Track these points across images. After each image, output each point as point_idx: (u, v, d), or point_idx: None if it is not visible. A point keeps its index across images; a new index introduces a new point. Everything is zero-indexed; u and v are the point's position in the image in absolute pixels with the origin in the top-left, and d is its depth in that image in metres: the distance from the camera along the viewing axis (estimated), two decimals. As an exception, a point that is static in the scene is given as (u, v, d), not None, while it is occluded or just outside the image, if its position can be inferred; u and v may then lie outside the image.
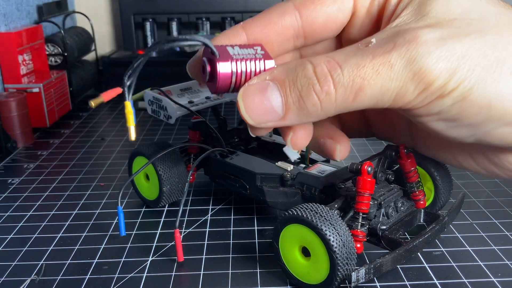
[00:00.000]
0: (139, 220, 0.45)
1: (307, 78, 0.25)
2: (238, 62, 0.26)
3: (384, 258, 0.32)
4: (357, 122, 0.37)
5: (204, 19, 1.01)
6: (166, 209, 0.47)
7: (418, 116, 0.26)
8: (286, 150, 0.44)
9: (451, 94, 0.24)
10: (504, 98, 0.25)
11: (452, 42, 0.24)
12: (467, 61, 0.24)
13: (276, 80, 0.26)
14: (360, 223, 0.35)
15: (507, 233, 0.41)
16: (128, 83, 0.25)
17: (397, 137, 0.37)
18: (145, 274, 0.37)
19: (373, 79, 0.24)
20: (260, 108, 0.26)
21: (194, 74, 0.30)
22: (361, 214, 0.35)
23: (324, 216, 0.32)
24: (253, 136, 0.29)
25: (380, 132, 0.37)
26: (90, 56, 0.98)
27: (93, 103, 0.26)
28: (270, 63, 0.27)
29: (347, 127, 0.36)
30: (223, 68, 0.25)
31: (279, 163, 0.43)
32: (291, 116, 0.26)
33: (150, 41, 1.03)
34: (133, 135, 0.26)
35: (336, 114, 0.26)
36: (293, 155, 0.44)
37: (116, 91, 0.26)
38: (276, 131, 0.52)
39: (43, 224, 0.45)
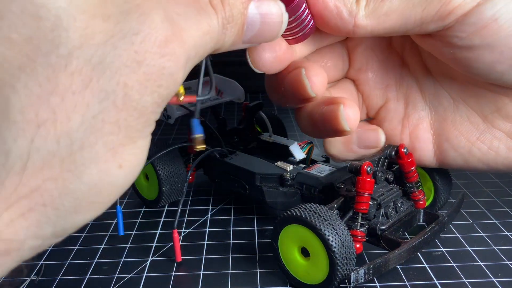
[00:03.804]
0: (139, 220, 0.45)
1: None
2: None
3: (384, 258, 0.32)
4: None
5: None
6: (165, 209, 0.47)
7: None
8: (292, 148, 0.44)
9: None
10: None
11: None
12: None
13: None
14: (359, 223, 0.35)
15: (507, 233, 0.41)
16: None
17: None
18: (144, 274, 0.37)
19: None
20: None
21: None
22: (360, 214, 0.35)
23: (324, 216, 0.32)
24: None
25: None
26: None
27: None
28: None
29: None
30: None
31: (279, 163, 0.43)
32: None
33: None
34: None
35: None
36: (299, 155, 0.44)
37: None
38: (276, 131, 0.52)
39: (43, 224, 0.45)
